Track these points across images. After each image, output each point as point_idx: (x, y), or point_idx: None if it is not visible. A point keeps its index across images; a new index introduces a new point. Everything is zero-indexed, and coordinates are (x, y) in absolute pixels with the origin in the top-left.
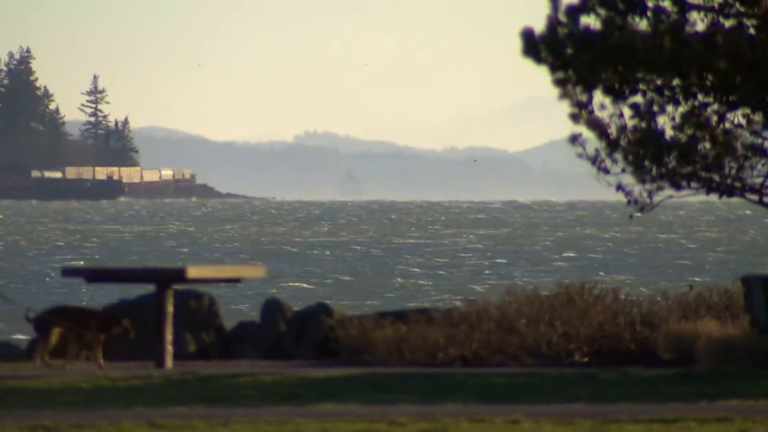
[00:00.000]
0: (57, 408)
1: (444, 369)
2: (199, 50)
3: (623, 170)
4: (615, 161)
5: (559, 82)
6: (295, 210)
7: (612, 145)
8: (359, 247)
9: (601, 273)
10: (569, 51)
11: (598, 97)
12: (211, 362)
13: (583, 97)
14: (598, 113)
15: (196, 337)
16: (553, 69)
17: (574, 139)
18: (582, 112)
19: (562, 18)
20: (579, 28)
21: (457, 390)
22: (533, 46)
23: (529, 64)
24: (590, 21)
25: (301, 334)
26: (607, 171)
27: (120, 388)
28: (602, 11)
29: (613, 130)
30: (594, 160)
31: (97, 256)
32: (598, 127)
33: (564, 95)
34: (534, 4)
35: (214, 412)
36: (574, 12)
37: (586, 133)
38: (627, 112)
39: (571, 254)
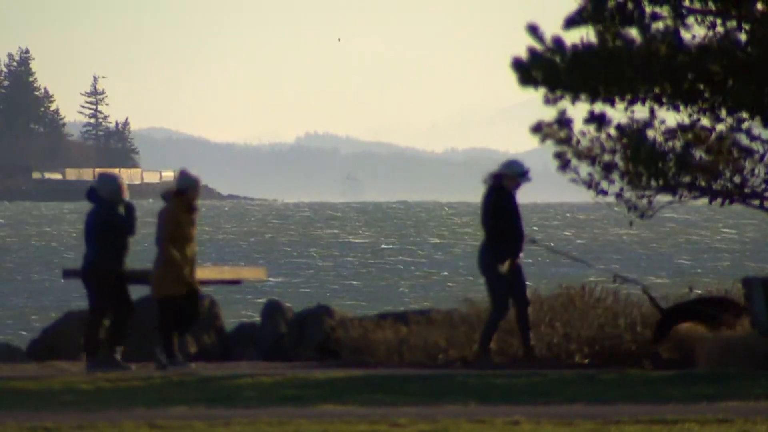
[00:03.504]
0: (58, 409)
1: (444, 370)
2: (199, 50)
3: (621, 189)
4: (612, 182)
5: (536, 129)
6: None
7: (606, 167)
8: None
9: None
10: (563, 68)
11: (579, 125)
12: (212, 363)
13: (563, 134)
14: (584, 142)
15: (196, 338)
16: (551, 89)
17: (563, 167)
18: (567, 148)
19: (549, 44)
20: (567, 48)
21: (458, 391)
22: (527, 74)
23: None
24: (582, 35)
25: (302, 335)
26: (605, 193)
27: (120, 389)
28: (597, 25)
29: (605, 151)
30: (589, 185)
31: None
32: (587, 155)
33: (545, 137)
34: (534, 4)
35: (214, 413)
36: (567, 25)
37: (576, 162)
38: (614, 133)
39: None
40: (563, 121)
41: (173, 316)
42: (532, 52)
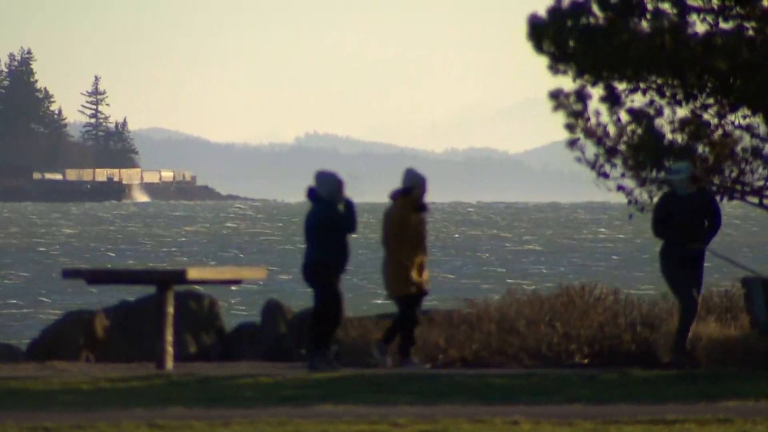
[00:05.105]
0: (57, 409)
1: (444, 370)
2: (199, 50)
3: (623, 175)
4: (614, 166)
5: (554, 96)
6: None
7: (610, 151)
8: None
9: None
10: (572, 44)
11: (594, 104)
12: (212, 363)
13: (578, 107)
14: (593, 120)
15: (196, 338)
16: (555, 60)
17: (572, 144)
18: (578, 121)
19: (566, 9)
20: (582, 23)
21: (457, 391)
22: (537, 33)
23: (530, 62)
24: (592, 20)
25: (302, 335)
26: (606, 176)
27: (120, 389)
28: (601, 14)
29: (610, 137)
30: (593, 165)
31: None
32: (594, 135)
33: (558, 106)
34: (534, 4)
35: (214, 413)
36: (576, 8)
37: (584, 139)
38: (624, 117)
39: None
40: (581, 95)
41: (412, 315)
42: (551, 11)
